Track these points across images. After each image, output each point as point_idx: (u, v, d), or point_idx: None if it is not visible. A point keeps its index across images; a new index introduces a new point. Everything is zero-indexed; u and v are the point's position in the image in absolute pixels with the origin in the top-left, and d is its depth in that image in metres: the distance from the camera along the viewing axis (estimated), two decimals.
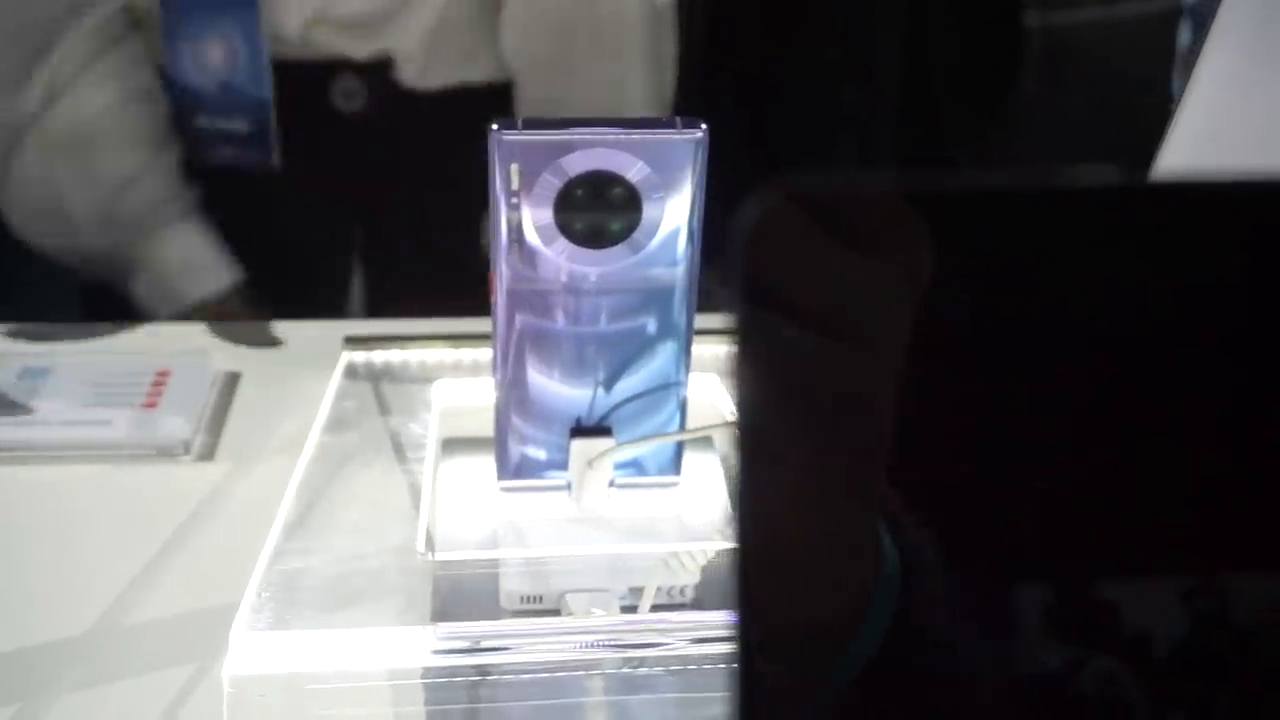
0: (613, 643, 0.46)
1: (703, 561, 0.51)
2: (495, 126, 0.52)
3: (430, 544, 0.52)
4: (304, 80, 1.05)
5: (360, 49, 1.04)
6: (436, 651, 0.44)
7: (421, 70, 1.06)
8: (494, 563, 0.53)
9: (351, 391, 0.71)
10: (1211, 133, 0.36)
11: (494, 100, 1.09)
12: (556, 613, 0.52)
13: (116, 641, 0.54)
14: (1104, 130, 2.72)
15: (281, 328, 0.88)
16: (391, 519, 0.55)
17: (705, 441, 0.64)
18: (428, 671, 0.43)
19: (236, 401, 0.76)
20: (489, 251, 0.55)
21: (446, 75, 1.07)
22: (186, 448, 0.70)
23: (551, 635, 0.45)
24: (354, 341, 0.78)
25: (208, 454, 0.70)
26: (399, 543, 0.52)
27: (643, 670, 0.47)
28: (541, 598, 0.52)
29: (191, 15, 1.01)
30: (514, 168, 0.53)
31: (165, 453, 0.69)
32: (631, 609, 0.52)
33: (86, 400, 0.73)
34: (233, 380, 0.79)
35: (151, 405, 0.73)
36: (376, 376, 0.74)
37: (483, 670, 0.44)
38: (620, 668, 0.46)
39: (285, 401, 0.76)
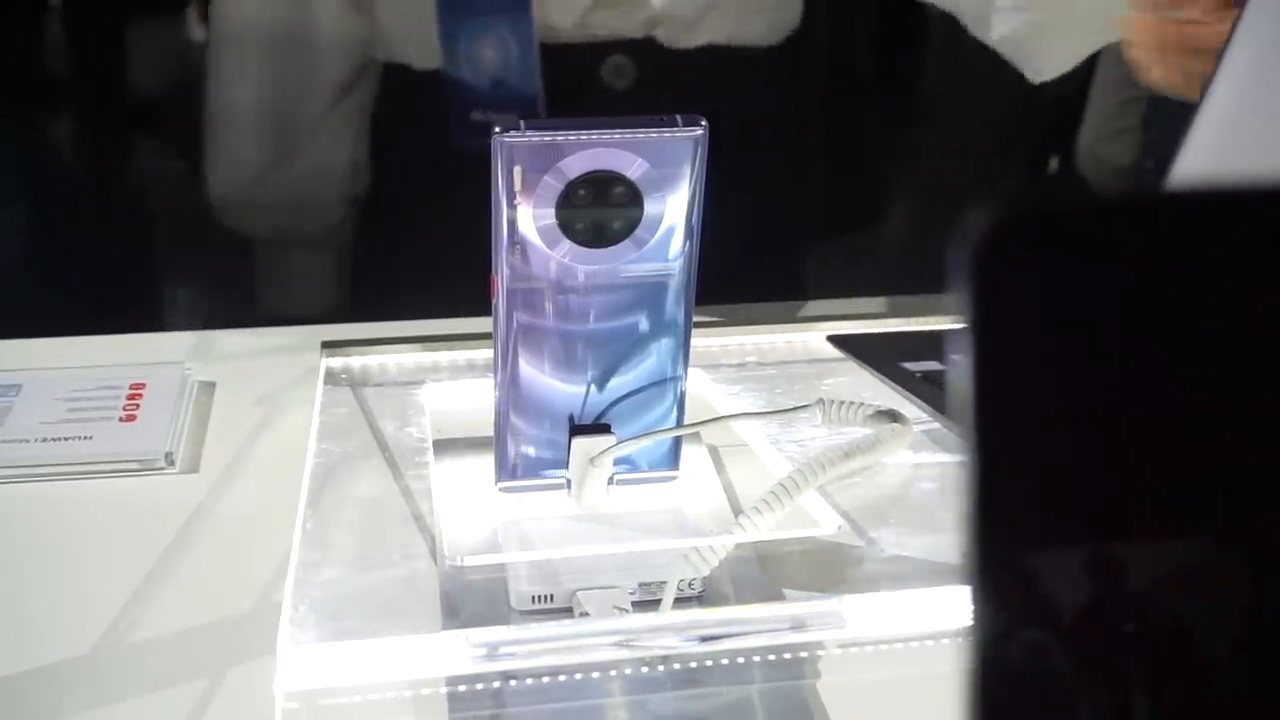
0: (680, 638, 0.46)
1: (722, 554, 0.51)
2: (497, 129, 0.52)
3: (457, 550, 0.52)
4: (570, 63, 1.06)
5: (629, 21, 1.05)
6: (491, 657, 0.44)
7: (688, 28, 1.06)
8: (508, 564, 0.53)
9: (339, 398, 0.71)
10: (1234, 127, 0.37)
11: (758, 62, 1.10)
12: (568, 611, 0.52)
13: (122, 660, 0.54)
14: (1006, 119, 2.77)
15: (250, 335, 0.87)
16: (407, 525, 0.55)
17: (693, 435, 0.65)
18: (487, 676, 0.44)
19: (215, 411, 0.75)
20: (492, 252, 0.55)
21: (714, 31, 1.07)
22: (170, 460, 0.69)
23: (606, 635, 0.46)
24: (331, 346, 0.77)
25: (192, 466, 0.69)
26: (421, 549, 0.52)
27: (677, 666, 0.47)
28: (552, 596, 0.53)
29: (468, 16, 1.04)
30: (516, 170, 0.53)
31: (148, 466, 0.68)
32: (643, 604, 0.52)
33: (62, 416, 0.72)
34: (208, 390, 0.78)
35: (130, 419, 0.72)
36: (359, 382, 0.74)
37: (539, 672, 0.44)
38: (669, 664, 0.46)
39: (264, 409, 0.75)
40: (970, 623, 0.20)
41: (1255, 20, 0.36)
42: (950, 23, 1.17)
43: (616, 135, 0.53)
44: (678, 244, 0.56)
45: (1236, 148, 0.38)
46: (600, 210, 0.54)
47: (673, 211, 0.55)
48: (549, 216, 0.54)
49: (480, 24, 1.04)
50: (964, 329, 0.17)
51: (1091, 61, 2.59)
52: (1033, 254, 0.16)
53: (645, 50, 1.07)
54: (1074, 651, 0.20)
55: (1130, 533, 0.19)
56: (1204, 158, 0.38)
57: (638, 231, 0.55)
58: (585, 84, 1.07)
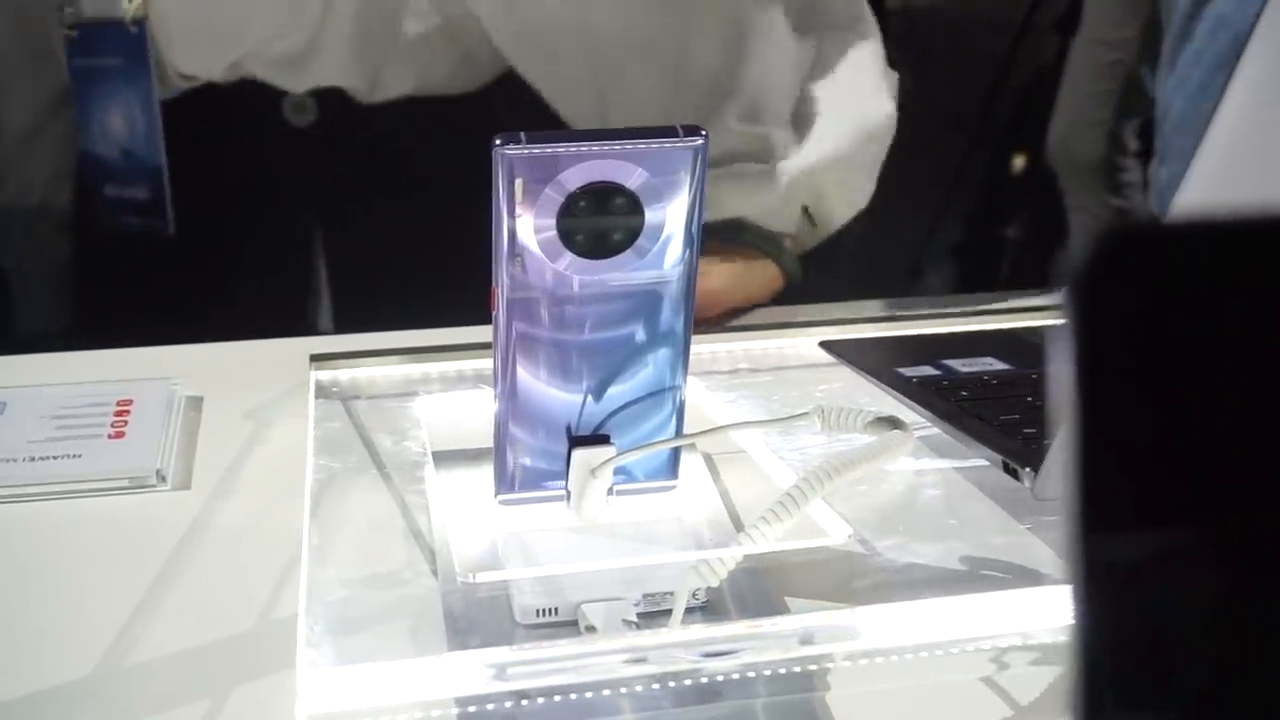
0: (696, 652, 0.46)
1: (732, 565, 0.51)
2: (498, 141, 0.52)
3: (469, 567, 0.52)
4: (255, 99, 1.04)
5: (298, 84, 1.03)
6: (511, 677, 0.43)
7: (368, 94, 1.05)
8: (520, 579, 0.53)
9: (331, 412, 0.70)
10: (1247, 140, 0.37)
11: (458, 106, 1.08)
12: (573, 624, 0.52)
13: (126, 681, 0.53)
14: (963, 109, 2.80)
15: (235, 348, 0.86)
16: (414, 540, 0.55)
17: (688, 444, 0.65)
18: (504, 695, 0.43)
19: (204, 426, 0.75)
20: (492, 263, 0.54)
21: (395, 92, 1.05)
22: (161, 477, 0.68)
23: (628, 651, 0.45)
24: (320, 359, 0.77)
25: (184, 483, 0.68)
26: (431, 566, 0.52)
27: (691, 681, 0.47)
28: (557, 610, 0.52)
29: (96, 84, 1.02)
30: (518, 182, 0.52)
31: (139, 484, 0.68)
32: (648, 615, 0.52)
33: (49, 434, 0.71)
34: (196, 405, 0.77)
35: (119, 435, 0.71)
36: (350, 395, 0.73)
37: (556, 690, 0.44)
38: (684, 679, 0.46)
39: (253, 423, 0.74)
40: (1072, 616, 0.20)
41: (1271, 27, 0.36)
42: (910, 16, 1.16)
43: (616, 146, 0.53)
44: (678, 253, 0.55)
45: (1250, 162, 0.38)
46: (601, 221, 0.54)
47: (673, 221, 0.55)
48: (550, 228, 0.53)
49: (107, 92, 1.02)
50: (1068, 339, 0.17)
51: (1061, 54, 2.60)
52: (1140, 270, 0.16)
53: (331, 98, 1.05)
54: (1179, 637, 0.20)
55: (1224, 524, 0.19)
56: (1215, 173, 0.38)
57: (639, 241, 0.55)
58: (267, 121, 1.06)
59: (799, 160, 0.95)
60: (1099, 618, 0.19)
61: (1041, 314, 0.85)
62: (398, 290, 1.07)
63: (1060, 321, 0.17)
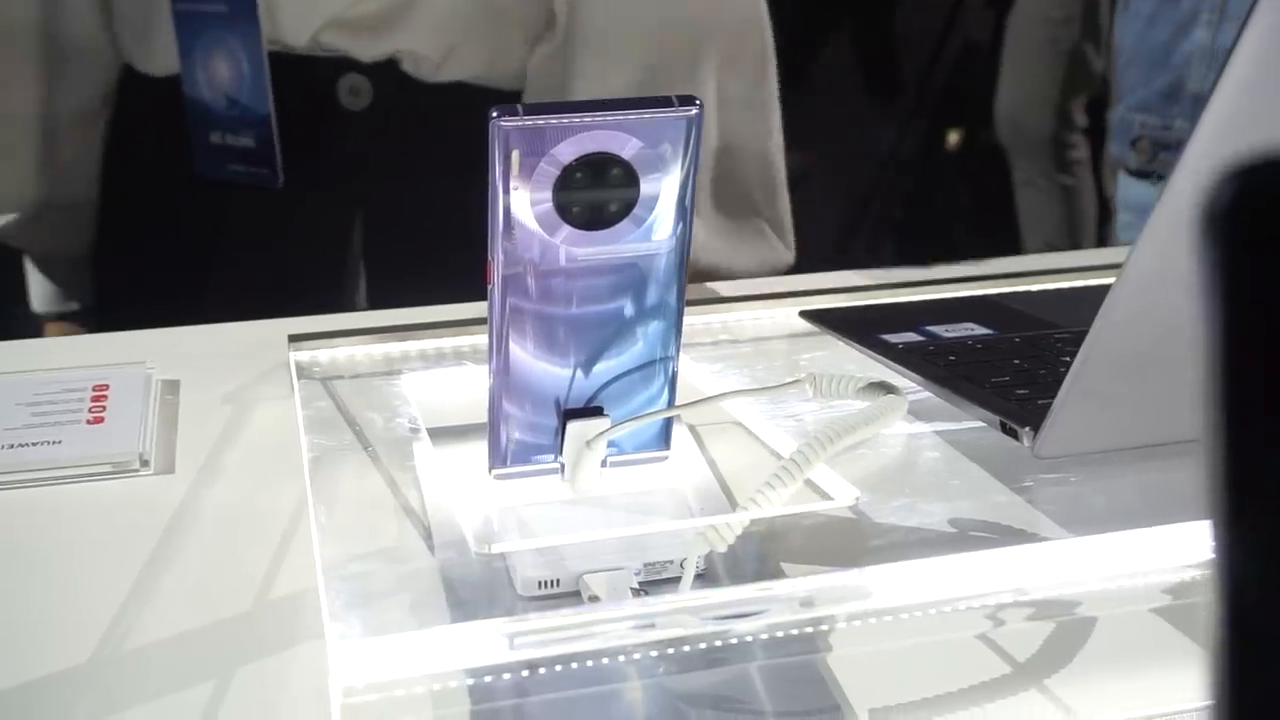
0: (709, 617, 0.46)
1: (739, 530, 0.51)
2: (494, 113, 0.52)
3: (484, 540, 0.52)
4: (311, 79, 1.04)
5: (368, 50, 1.03)
6: (544, 642, 0.43)
7: (434, 69, 1.05)
8: (522, 550, 0.53)
9: (316, 391, 0.70)
10: (1248, 111, 0.38)
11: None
12: (575, 595, 0.52)
13: (126, 666, 0.52)
14: (890, 84, 2.83)
15: (209, 331, 0.85)
16: (415, 517, 0.54)
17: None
18: (547, 660, 0.43)
19: (182, 410, 0.74)
20: (488, 237, 0.54)
21: (460, 73, 1.05)
22: (144, 461, 0.67)
23: (641, 616, 0.46)
24: (298, 340, 0.76)
25: (167, 466, 0.68)
26: (430, 541, 0.52)
27: (718, 644, 0.47)
28: (559, 581, 0.53)
29: (201, 33, 1.02)
30: (514, 154, 0.52)
31: (122, 468, 0.67)
32: (649, 584, 0.53)
33: (26, 421, 0.70)
34: (173, 388, 0.76)
35: (98, 421, 0.70)
36: (331, 374, 0.73)
37: (571, 657, 0.44)
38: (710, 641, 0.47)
39: (232, 406, 0.74)
40: (1217, 561, 0.20)
41: (1268, 4, 0.36)
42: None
43: (611, 117, 0.53)
44: (672, 223, 0.55)
45: (1250, 133, 0.38)
46: (597, 192, 0.54)
47: (667, 191, 0.55)
48: (546, 200, 0.53)
49: (212, 39, 1.02)
50: (1210, 274, 0.17)
51: (998, 27, 2.63)
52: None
53: (386, 72, 1.06)
54: None
55: None
56: (1215, 144, 0.39)
57: (634, 212, 0.55)
58: (321, 101, 1.06)
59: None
60: (1249, 562, 0.19)
61: (1017, 280, 0.86)
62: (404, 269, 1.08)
63: (1199, 258, 0.17)
